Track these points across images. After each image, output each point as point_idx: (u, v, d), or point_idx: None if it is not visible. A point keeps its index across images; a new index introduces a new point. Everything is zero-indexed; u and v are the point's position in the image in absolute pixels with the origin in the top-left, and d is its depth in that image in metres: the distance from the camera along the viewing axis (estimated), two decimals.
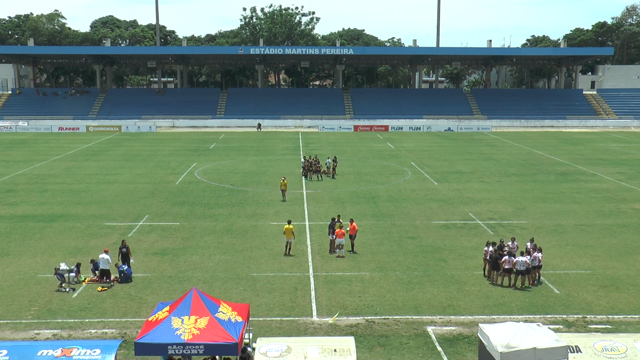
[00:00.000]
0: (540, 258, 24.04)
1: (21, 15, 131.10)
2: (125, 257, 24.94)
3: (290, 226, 27.61)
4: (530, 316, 20.97)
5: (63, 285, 23.29)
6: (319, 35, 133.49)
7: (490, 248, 24.62)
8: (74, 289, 23.31)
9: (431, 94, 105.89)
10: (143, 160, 56.97)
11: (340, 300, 22.36)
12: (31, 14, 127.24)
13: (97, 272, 24.11)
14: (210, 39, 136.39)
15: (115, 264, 24.55)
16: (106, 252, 24.44)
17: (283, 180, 39.34)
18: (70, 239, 30.21)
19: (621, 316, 21.11)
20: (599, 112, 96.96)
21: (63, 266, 23.48)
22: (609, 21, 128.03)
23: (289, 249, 27.70)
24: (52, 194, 40.96)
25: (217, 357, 16.17)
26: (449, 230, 31.92)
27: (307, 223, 33.21)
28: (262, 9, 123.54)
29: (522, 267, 23.34)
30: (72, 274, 23.75)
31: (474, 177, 47.76)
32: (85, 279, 24.09)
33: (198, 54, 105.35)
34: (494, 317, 20.91)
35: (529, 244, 25.71)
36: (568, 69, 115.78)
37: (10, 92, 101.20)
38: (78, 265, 24.19)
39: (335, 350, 15.28)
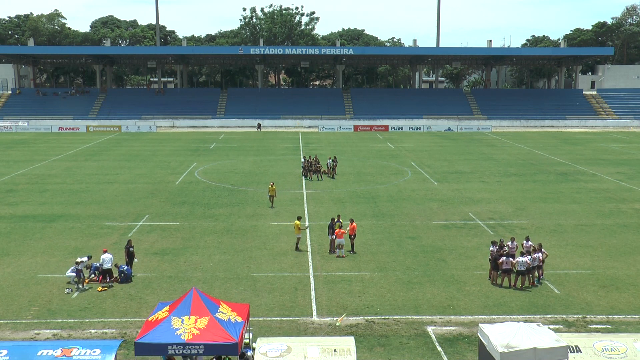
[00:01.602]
0: (540, 258, 24.03)
1: (21, 15, 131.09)
2: (131, 256, 24.96)
3: (297, 222, 28.19)
4: (530, 316, 20.97)
5: (75, 281, 23.50)
6: (319, 35, 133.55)
7: (491, 248, 24.62)
8: (83, 285, 23.47)
9: (431, 94, 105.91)
10: (143, 160, 56.97)
11: (340, 300, 22.35)
12: (31, 14, 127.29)
13: (96, 272, 24.11)
14: (210, 39, 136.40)
15: (115, 264, 24.56)
16: (105, 251, 24.49)
17: (271, 186, 37.11)
18: (70, 239, 30.22)
19: (621, 316, 21.12)
20: (599, 112, 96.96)
21: (81, 259, 23.86)
22: (609, 21, 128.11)
23: (297, 244, 28.47)
24: (52, 194, 40.96)
25: (222, 357, 16.15)
26: (449, 230, 31.92)
27: (307, 223, 33.18)
28: (262, 9, 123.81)
29: (522, 267, 23.34)
30: (73, 274, 23.84)
31: (474, 177, 47.76)
32: (85, 279, 24.05)
33: (198, 54, 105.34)
34: (494, 317, 20.91)
35: (525, 242, 25.74)
36: (568, 69, 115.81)
37: (10, 92, 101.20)
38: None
39: (335, 350, 15.28)
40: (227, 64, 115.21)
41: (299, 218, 28.83)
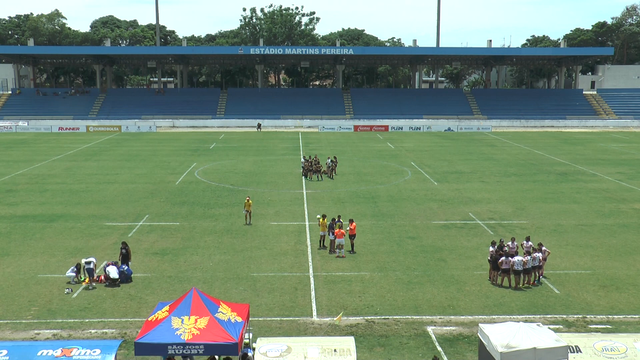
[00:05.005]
0: (540, 258, 24.03)
1: (21, 15, 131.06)
2: (125, 258, 24.93)
3: (322, 220, 28.61)
4: (530, 316, 20.97)
5: (75, 281, 23.54)
6: (319, 35, 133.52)
7: (491, 248, 24.63)
8: (93, 286, 23.49)
9: (431, 94, 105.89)
10: (143, 160, 56.96)
11: (340, 300, 22.35)
12: (31, 14, 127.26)
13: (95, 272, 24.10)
14: (210, 39, 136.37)
15: (115, 262, 24.56)
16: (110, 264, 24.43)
17: (247, 200, 33.62)
18: (70, 239, 30.21)
19: (621, 316, 21.12)
20: (599, 112, 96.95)
21: (88, 260, 23.92)
22: (609, 21, 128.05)
23: (323, 241, 28.67)
24: (52, 194, 40.96)
25: (222, 357, 16.15)
26: (449, 230, 31.92)
27: (307, 223, 33.21)
28: (262, 9, 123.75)
29: (519, 266, 23.34)
30: (73, 274, 23.88)
31: (474, 177, 47.76)
32: (84, 279, 24.04)
33: (198, 54, 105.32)
34: (494, 317, 20.91)
35: (525, 242, 25.75)
36: (568, 69, 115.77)
37: (10, 92, 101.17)
38: (77, 266, 24.19)
39: (335, 350, 15.29)
40: (227, 64, 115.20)
41: (323, 216, 28.86)
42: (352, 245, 28.05)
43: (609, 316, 21.10)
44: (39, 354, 14.61)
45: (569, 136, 79.44)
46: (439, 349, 18.67)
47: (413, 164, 54.76)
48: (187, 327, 15.31)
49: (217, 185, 44.27)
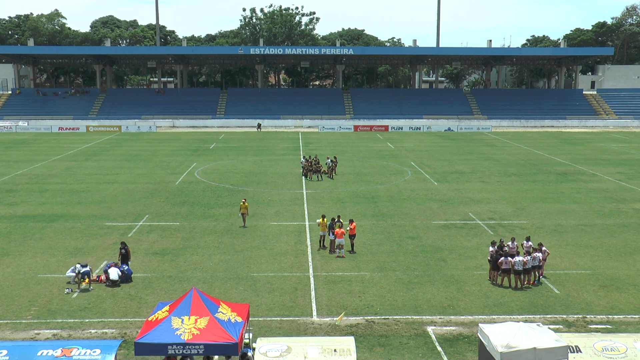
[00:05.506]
0: (540, 258, 24.04)
1: (21, 15, 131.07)
2: (124, 258, 24.92)
3: (322, 220, 28.59)
4: (530, 316, 20.97)
5: (75, 280, 23.55)
6: (319, 35, 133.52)
7: (491, 248, 24.63)
8: (92, 288, 23.47)
9: (431, 94, 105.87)
10: (143, 160, 56.95)
11: (340, 300, 22.35)
12: (31, 14, 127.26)
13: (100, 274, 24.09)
14: (210, 39, 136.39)
15: (115, 263, 24.56)
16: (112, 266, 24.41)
17: (243, 203, 32.79)
18: (70, 239, 30.21)
19: (621, 316, 21.12)
20: (599, 112, 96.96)
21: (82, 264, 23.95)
22: (609, 21, 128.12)
23: (322, 241, 28.68)
24: (52, 194, 40.96)
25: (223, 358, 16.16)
26: (449, 230, 31.91)
27: (307, 223, 33.21)
28: (262, 9, 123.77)
29: (519, 266, 23.34)
30: (73, 274, 23.87)
31: (474, 177, 47.75)
32: (85, 279, 24.02)
33: (198, 54, 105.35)
34: (494, 317, 20.91)
35: (525, 242, 25.76)
36: (568, 69, 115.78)
37: (10, 92, 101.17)
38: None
39: (335, 350, 15.29)
40: (227, 64, 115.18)
41: (323, 217, 28.83)
42: (352, 245, 28.06)
43: (609, 316, 21.10)
44: (39, 354, 14.61)
45: (569, 136, 79.44)
46: (439, 349, 18.67)
47: (413, 164, 54.75)
48: (187, 327, 15.31)
49: (217, 185, 44.27)
